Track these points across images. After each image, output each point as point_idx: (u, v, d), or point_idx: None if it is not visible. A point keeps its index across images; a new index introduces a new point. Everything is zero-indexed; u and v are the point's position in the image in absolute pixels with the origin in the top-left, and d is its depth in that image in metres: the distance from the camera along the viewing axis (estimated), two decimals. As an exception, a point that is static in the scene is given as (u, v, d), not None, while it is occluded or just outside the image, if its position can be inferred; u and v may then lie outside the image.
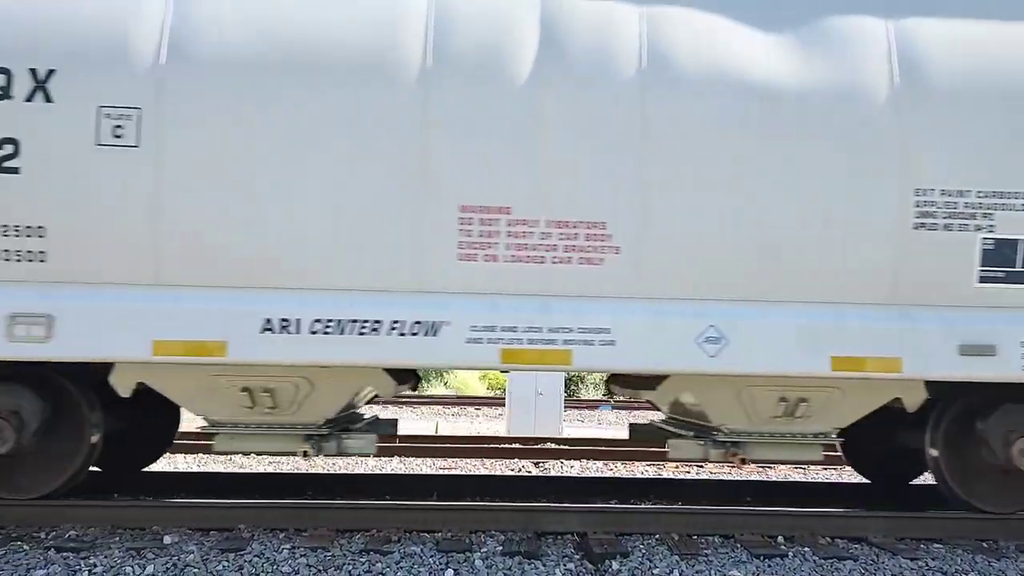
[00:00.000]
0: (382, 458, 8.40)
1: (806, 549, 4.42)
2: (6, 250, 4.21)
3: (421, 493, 5.80)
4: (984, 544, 4.63)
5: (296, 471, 7.09)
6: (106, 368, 4.47)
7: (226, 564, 3.94)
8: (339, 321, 4.27)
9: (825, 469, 8.15)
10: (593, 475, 7.61)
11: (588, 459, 8.58)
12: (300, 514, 4.65)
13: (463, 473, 7.48)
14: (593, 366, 4.46)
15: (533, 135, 4.35)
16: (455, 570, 3.97)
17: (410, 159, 4.31)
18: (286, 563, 3.97)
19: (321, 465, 7.92)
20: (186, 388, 4.53)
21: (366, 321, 4.28)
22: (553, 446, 9.40)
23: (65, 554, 4.02)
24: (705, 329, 4.40)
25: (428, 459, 8.29)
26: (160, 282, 4.28)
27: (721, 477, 7.51)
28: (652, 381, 4.84)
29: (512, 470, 8.03)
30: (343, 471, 7.47)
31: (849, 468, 8.13)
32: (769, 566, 4.14)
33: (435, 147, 4.32)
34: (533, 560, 4.13)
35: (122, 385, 4.50)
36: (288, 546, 4.20)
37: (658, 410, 5.49)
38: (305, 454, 4.64)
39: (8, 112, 4.18)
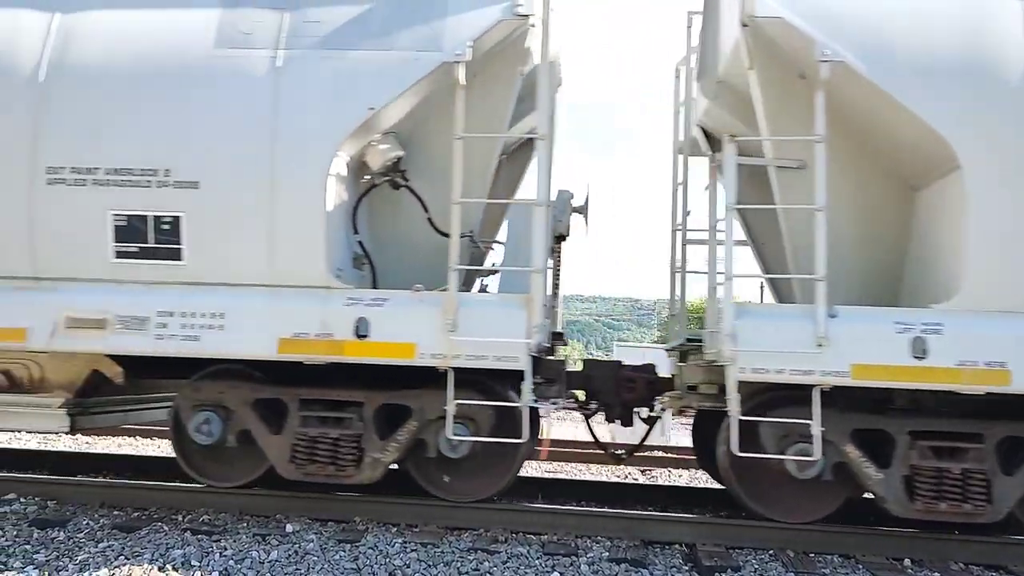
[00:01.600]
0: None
1: (935, 575, 4.13)
2: None
3: (526, 495, 5.85)
4: None
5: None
6: None
7: (343, 554, 4.12)
8: None
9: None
10: (702, 485, 7.41)
11: (697, 468, 8.36)
12: (412, 510, 4.81)
13: (569, 477, 7.47)
14: None
15: None
16: (561, 574, 3.98)
17: None
18: (398, 556, 4.11)
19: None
20: None
21: None
22: (661, 454, 9.23)
23: (199, 536, 4.33)
24: None
25: (532, 462, 8.34)
26: None
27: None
28: None
29: (618, 477, 7.95)
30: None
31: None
32: (894, 590, 3.91)
33: None
34: (640, 568, 4.08)
35: None
36: (400, 540, 4.35)
37: None
38: None
39: None
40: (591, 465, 8.33)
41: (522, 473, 7.72)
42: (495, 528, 4.68)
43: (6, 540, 4.20)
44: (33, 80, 4.63)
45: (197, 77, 4.56)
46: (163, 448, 8.53)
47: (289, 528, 4.55)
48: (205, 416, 4.83)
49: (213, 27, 4.64)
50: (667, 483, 7.61)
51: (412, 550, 4.21)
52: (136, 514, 4.83)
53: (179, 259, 4.57)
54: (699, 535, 4.58)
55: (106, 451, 7.91)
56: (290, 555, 4.08)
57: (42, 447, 8.15)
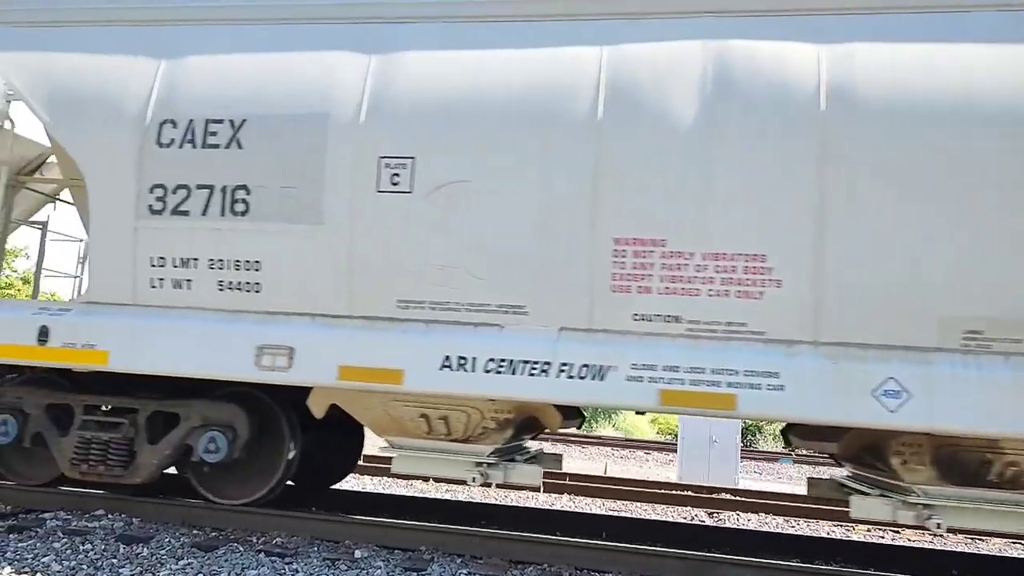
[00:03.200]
0: (552, 494, 8.48)
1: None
2: None
3: (590, 532, 5.80)
4: None
5: (471, 500, 7.36)
6: None
7: (409, 582, 4.18)
8: None
9: (1052, 547, 7.11)
10: (773, 530, 7.19)
11: (767, 513, 8.13)
12: (478, 542, 4.84)
13: (634, 516, 7.37)
14: None
15: None
16: (626, 613, 3.93)
17: None
18: (463, 587, 4.14)
19: (494, 496, 8.16)
20: None
21: None
22: (729, 497, 9.01)
23: (273, 558, 4.47)
24: None
25: (597, 499, 8.26)
26: None
27: (922, 546, 6.81)
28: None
29: (684, 518, 7.79)
30: (515, 503, 7.63)
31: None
32: (980, 649, 3.70)
33: None
34: (707, 612, 4.00)
35: None
36: (465, 571, 4.39)
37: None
38: None
39: None
40: (655, 505, 8.16)
41: (586, 510, 7.66)
42: (559, 564, 4.67)
43: (95, 553, 4.43)
44: None
45: None
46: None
47: (358, 554, 4.65)
48: None
49: None
50: (735, 526, 7.41)
51: (477, 582, 4.24)
52: (214, 534, 5.02)
53: None
54: (769, 581, 4.45)
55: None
56: (358, 581, 4.17)
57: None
